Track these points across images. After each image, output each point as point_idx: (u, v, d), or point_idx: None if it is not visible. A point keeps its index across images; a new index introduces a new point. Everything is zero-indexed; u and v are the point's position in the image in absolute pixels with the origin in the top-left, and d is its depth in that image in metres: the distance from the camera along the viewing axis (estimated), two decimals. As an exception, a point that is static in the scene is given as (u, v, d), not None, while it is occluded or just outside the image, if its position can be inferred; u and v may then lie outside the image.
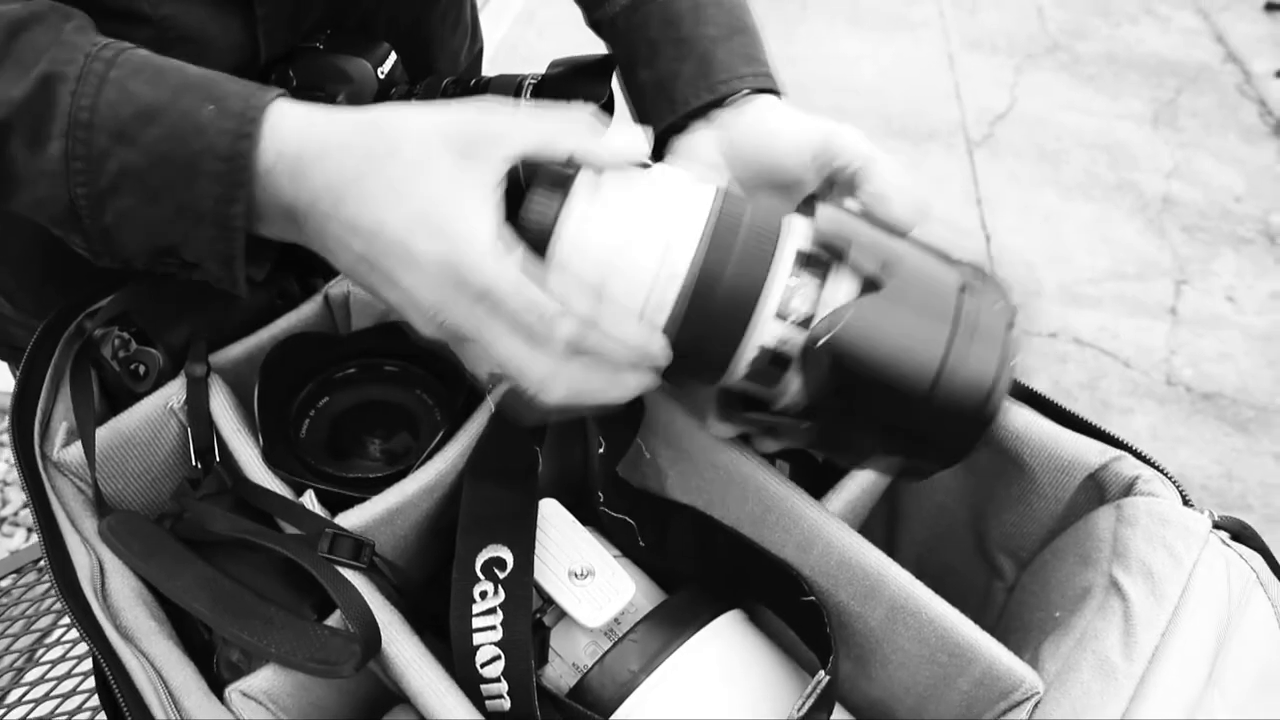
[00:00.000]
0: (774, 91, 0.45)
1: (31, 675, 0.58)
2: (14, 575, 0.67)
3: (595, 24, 0.50)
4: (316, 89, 0.49)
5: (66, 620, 0.62)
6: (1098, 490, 0.43)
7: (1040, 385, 1.51)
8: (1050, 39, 2.80)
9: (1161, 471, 0.42)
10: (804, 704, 0.36)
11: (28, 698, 0.57)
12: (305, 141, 0.34)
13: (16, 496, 1.48)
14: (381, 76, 0.49)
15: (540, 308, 0.32)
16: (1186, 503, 0.41)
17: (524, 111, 0.35)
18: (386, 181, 0.33)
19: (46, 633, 0.61)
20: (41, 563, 0.67)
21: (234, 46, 0.47)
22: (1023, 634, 0.43)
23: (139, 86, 0.34)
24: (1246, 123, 2.52)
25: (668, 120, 0.45)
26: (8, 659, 0.61)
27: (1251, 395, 1.74)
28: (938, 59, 2.68)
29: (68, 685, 0.58)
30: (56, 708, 0.56)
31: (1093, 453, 0.43)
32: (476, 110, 0.34)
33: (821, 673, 0.37)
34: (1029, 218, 2.10)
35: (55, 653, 0.60)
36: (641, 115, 0.47)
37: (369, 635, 0.35)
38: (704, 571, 0.44)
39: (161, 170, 0.34)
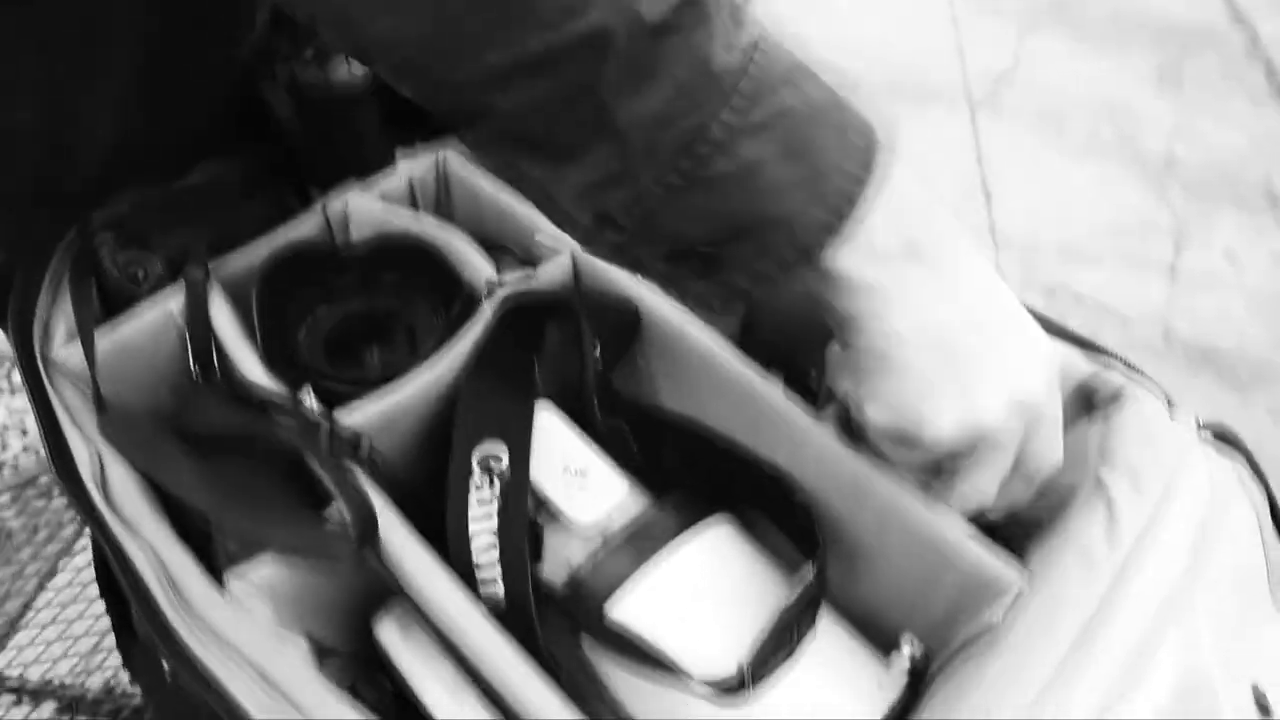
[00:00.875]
0: None
1: (59, 581, 0.59)
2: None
3: None
4: None
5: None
6: (1086, 400, 0.43)
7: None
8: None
9: (1146, 381, 0.43)
10: (793, 596, 0.37)
11: (55, 601, 0.58)
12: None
13: (15, 442, 1.49)
14: None
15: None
16: (1171, 409, 0.41)
17: None
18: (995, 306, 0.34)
19: (71, 542, 0.62)
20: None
21: None
22: (1008, 541, 0.43)
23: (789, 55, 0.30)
24: (1253, 85, 2.50)
25: None
26: (33, 566, 0.62)
27: (1248, 354, 1.75)
28: (940, 19, 2.65)
29: (93, 590, 0.60)
30: (84, 611, 0.57)
31: (1081, 363, 0.44)
32: None
33: (809, 564, 0.37)
34: (1030, 177, 2.09)
35: (81, 559, 0.61)
36: None
37: (366, 523, 0.35)
38: (696, 477, 0.44)
39: (816, 125, 0.29)
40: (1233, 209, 2.06)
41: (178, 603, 0.35)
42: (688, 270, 0.30)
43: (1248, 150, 2.25)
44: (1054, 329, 0.45)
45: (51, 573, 0.61)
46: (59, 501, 0.75)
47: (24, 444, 1.49)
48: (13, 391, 1.57)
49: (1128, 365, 0.43)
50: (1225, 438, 0.41)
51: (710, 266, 0.30)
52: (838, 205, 0.29)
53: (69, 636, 0.57)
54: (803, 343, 0.52)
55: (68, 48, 0.42)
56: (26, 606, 0.60)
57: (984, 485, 0.35)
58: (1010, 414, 0.33)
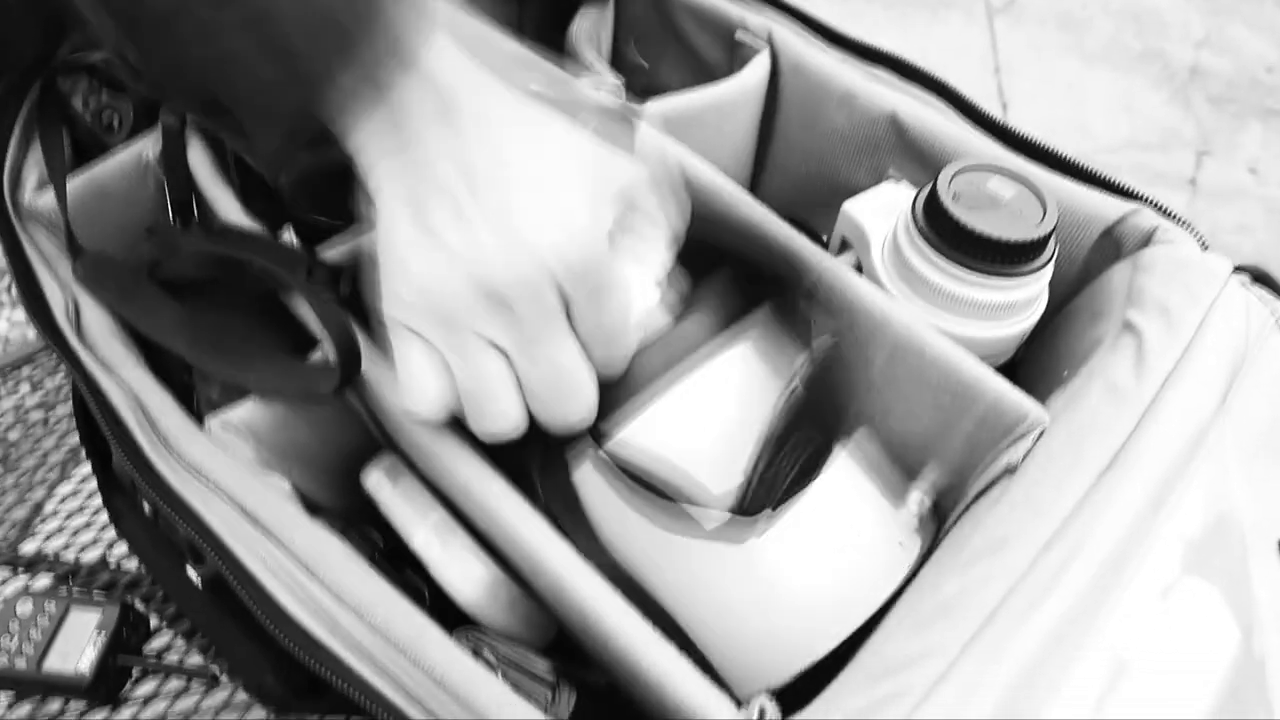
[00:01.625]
0: None
1: (63, 490, 0.58)
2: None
3: None
4: None
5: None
6: (1114, 246, 0.41)
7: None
8: (1081, -99, 2.65)
9: (1181, 223, 0.40)
10: (778, 408, 0.34)
11: (62, 509, 0.58)
12: (465, 76, 0.28)
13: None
14: None
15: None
16: (1205, 249, 0.39)
17: None
18: (530, 152, 0.29)
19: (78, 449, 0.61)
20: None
21: None
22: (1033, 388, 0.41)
23: None
24: (1284, -8, 2.40)
25: None
26: (40, 473, 0.61)
27: (1267, 266, 1.71)
28: (961, -78, 2.54)
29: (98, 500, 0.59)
30: (90, 520, 0.56)
31: (1109, 206, 0.41)
32: None
33: (801, 359, 0.35)
34: (1049, 86, 2.02)
35: (86, 468, 0.60)
36: None
37: (349, 356, 0.34)
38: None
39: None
40: (1258, 121, 2.00)
41: (156, 440, 0.34)
42: (217, 125, 0.31)
43: (1277, 58, 2.17)
44: (1082, 173, 0.42)
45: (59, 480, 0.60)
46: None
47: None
48: (13, 305, 1.55)
49: (1159, 208, 0.40)
50: (1263, 279, 0.38)
51: (233, 130, 0.29)
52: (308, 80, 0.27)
53: (72, 532, 0.57)
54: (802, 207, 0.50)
55: None
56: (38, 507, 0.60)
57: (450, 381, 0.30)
58: (481, 302, 0.28)
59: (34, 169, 0.43)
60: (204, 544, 0.30)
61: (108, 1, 0.26)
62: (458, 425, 0.34)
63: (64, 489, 0.60)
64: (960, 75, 2.01)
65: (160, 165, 0.42)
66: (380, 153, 0.28)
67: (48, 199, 0.41)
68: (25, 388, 0.78)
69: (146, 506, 0.35)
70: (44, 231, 0.41)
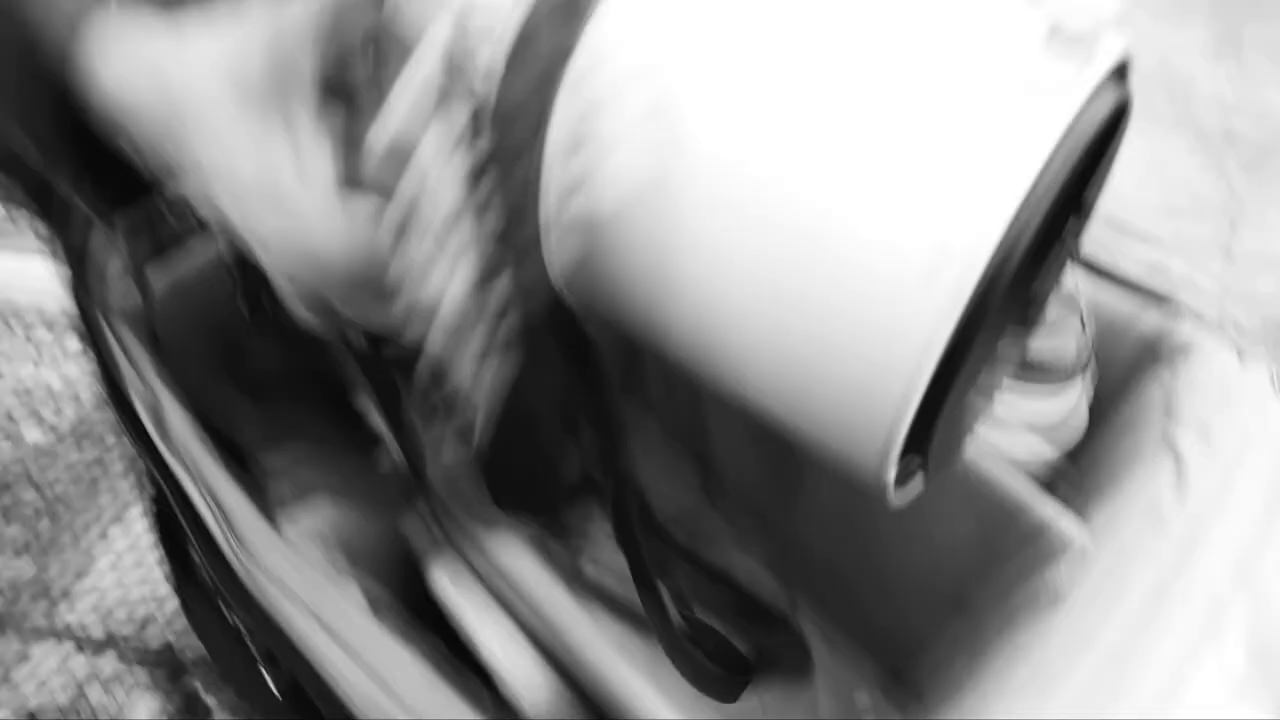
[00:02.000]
0: None
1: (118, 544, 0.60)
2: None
3: None
4: None
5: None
6: (1153, 353, 0.42)
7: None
8: (1111, -32, 2.69)
9: (1217, 332, 0.41)
10: None
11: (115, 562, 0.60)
12: None
13: (70, 410, 1.52)
14: None
15: None
16: (1243, 359, 0.40)
17: None
18: None
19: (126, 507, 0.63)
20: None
21: None
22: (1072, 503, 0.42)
23: None
24: (1316, 58, 2.41)
25: None
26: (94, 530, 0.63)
27: (1306, 336, 1.70)
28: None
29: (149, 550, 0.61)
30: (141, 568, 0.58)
31: (1148, 317, 0.42)
32: None
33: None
34: (1081, 151, 2.04)
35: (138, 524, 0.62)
36: None
37: (416, 461, 0.35)
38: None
39: None
40: (1293, 186, 2.00)
41: (235, 544, 0.35)
42: None
43: (1310, 125, 2.17)
44: (1115, 277, 0.44)
45: (104, 534, 0.62)
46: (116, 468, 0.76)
47: (79, 415, 1.52)
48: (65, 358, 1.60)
49: (1196, 314, 0.41)
50: (1302, 393, 0.39)
51: None
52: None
53: (126, 593, 0.58)
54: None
55: None
56: (86, 562, 0.61)
57: None
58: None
59: (117, 263, 0.45)
60: (282, 651, 0.32)
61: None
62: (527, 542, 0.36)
63: (119, 544, 0.61)
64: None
65: (232, 259, 0.45)
66: None
67: (130, 295, 0.44)
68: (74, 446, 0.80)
69: (224, 608, 0.37)
70: (125, 326, 0.44)
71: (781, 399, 0.24)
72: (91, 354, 0.42)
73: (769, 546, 0.52)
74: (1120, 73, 0.24)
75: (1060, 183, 0.19)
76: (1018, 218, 0.19)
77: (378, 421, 0.37)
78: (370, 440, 0.39)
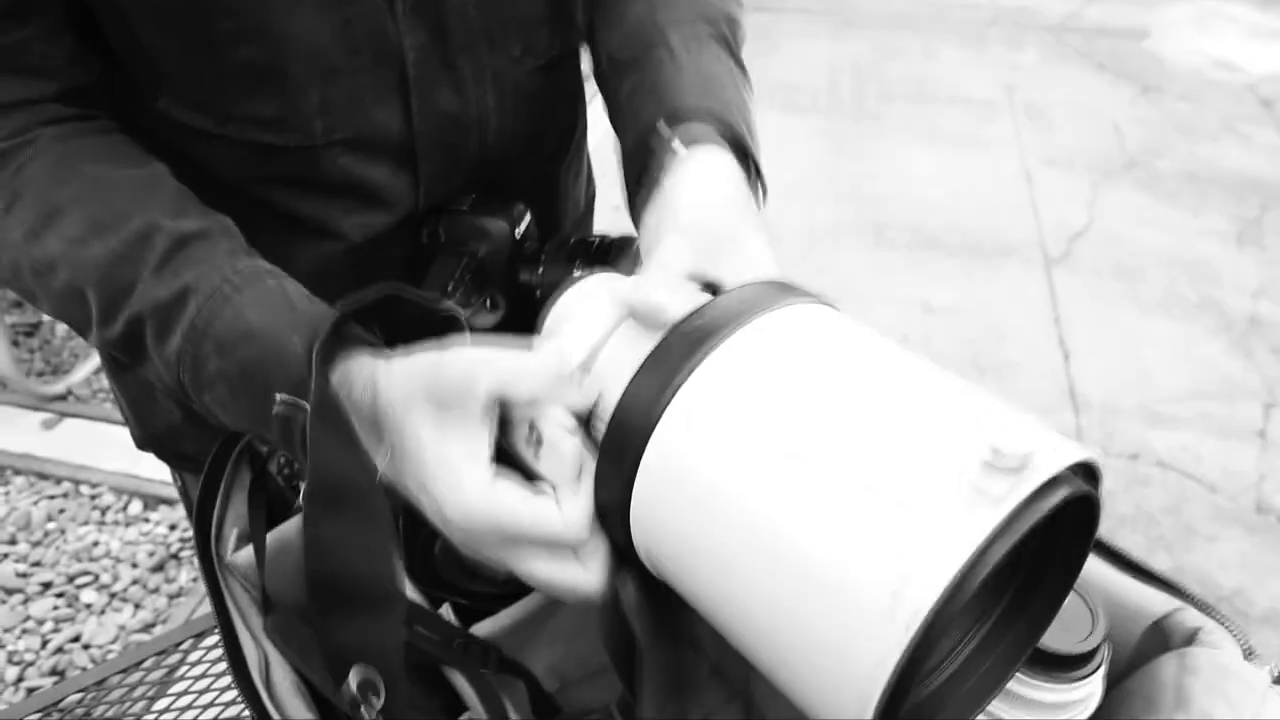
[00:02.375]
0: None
1: None
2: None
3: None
4: (460, 244, 0.58)
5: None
6: (1162, 637, 0.46)
7: (1122, 509, 1.51)
8: (1128, 156, 2.84)
9: (1223, 624, 0.45)
10: None
11: None
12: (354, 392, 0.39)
13: (126, 573, 1.59)
14: (517, 236, 0.57)
15: (551, 528, 0.35)
16: (1248, 655, 0.43)
17: (487, 351, 0.37)
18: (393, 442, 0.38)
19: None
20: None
21: (397, 199, 0.56)
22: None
23: (251, 311, 0.42)
24: (1338, 242, 2.49)
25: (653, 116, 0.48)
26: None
27: (1348, 525, 1.69)
28: (1014, 176, 2.73)
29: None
30: None
31: (1157, 602, 0.46)
32: (440, 356, 0.37)
33: None
34: (1108, 336, 2.10)
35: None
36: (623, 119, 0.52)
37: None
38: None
39: (245, 382, 0.41)
40: (1324, 372, 2.03)
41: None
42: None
43: (1337, 310, 2.22)
44: (1129, 564, 0.48)
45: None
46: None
47: (134, 576, 1.59)
48: (126, 524, 1.68)
49: (1202, 607, 0.45)
50: (1301, 688, 0.42)
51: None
52: (286, 432, 0.41)
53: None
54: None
55: None
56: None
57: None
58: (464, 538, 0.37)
59: (233, 525, 0.52)
60: None
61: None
62: None
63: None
64: (1021, 325, 2.11)
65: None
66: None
67: (245, 556, 0.50)
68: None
69: None
70: (239, 584, 0.50)
71: (778, 678, 0.32)
72: (213, 608, 0.48)
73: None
74: (1090, 474, 0.30)
75: (1000, 559, 0.27)
76: (956, 583, 0.26)
77: (466, 692, 0.42)
78: (452, 708, 0.43)
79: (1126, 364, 2.02)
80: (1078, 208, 2.58)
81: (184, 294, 0.42)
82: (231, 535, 0.51)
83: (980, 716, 0.42)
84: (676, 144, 0.46)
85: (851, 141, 2.85)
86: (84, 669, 1.44)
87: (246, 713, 0.54)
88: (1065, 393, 1.92)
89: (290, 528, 0.51)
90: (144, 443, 0.69)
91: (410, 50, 0.51)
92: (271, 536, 0.51)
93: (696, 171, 0.45)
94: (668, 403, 0.33)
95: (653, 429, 0.32)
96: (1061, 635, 0.42)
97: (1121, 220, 2.53)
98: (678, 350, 0.33)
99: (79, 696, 0.70)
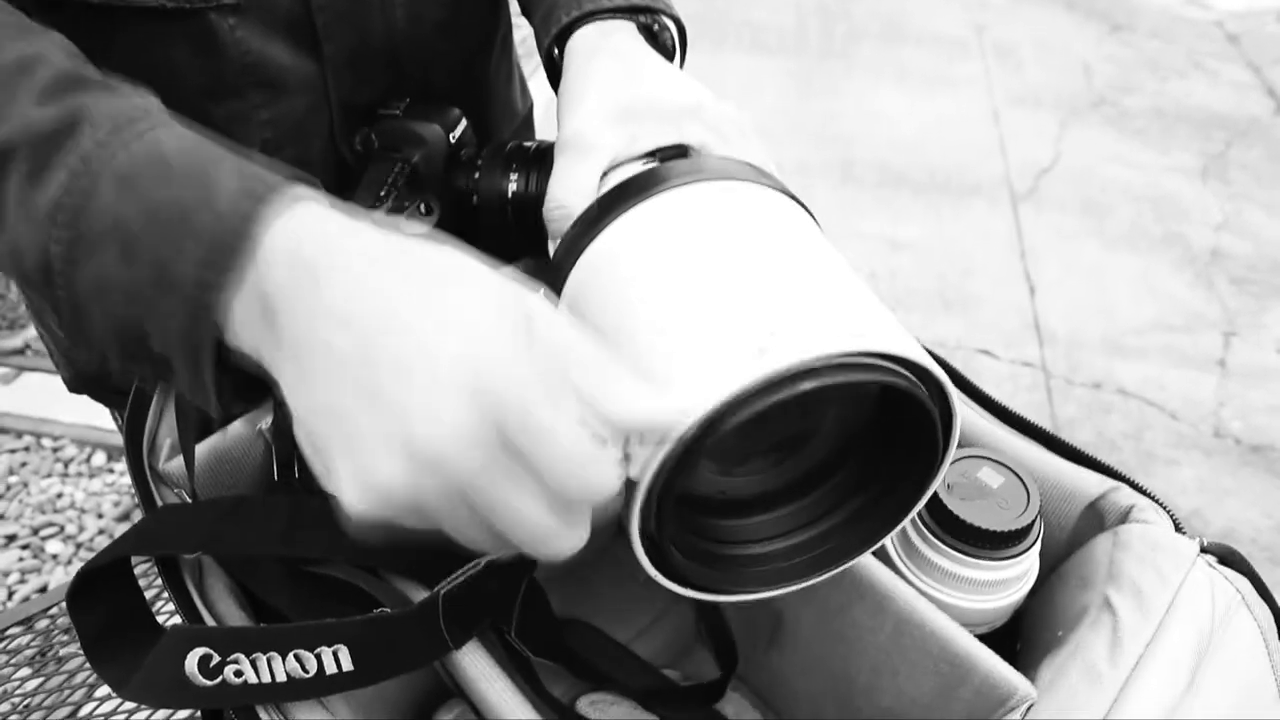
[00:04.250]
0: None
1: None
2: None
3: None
4: (394, 150, 0.56)
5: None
6: (1097, 518, 0.46)
7: (1084, 436, 1.53)
8: (1096, 94, 2.83)
9: (1155, 500, 0.46)
10: None
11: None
12: (323, 236, 0.29)
13: (91, 524, 1.58)
14: (453, 141, 0.55)
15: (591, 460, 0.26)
16: (1179, 530, 0.44)
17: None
18: (413, 280, 0.28)
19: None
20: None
21: (306, 87, 0.53)
22: (1030, 652, 0.46)
23: (169, 140, 0.32)
24: (1301, 176, 2.51)
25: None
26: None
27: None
28: (982, 115, 2.72)
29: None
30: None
31: (1092, 483, 0.47)
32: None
33: None
34: (1073, 270, 2.11)
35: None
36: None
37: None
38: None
39: (152, 226, 0.30)
40: (1283, 301, 2.06)
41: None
42: (146, 369, 0.33)
43: (1298, 241, 2.25)
44: (1065, 449, 0.48)
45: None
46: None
47: (99, 526, 1.58)
48: (90, 475, 1.66)
49: (1135, 486, 0.46)
50: (1229, 560, 0.43)
51: (156, 371, 0.32)
52: (198, 296, 0.29)
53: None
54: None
55: None
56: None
57: (467, 537, 0.28)
58: (418, 473, 0.26)
59: (166, 436, 0.51)
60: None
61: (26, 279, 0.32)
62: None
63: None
64: (988, 260, 2.12)
65: (270, 432, 0.50)
66: (265, 345, 0.29)
67: (177, 465, 0.49)
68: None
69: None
70: (171, 493, 0.49)
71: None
72: (144, 511, 0.47)
73: (756, 679, 0.55)
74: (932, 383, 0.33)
75: (753, 414, 0.30)
76: (711, 416, 0.30)
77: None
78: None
79: (1091, 297, 2.03)
80: (1045, 145, 2.58)
81: (74, 121, 0.31)
82: (165, 445, 0.50)
83: (922, 596, 0.43)
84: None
85: (819, 80, 2.82)
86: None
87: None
88: (1030, 326, 1.93)
89: (224, 439, 0.50)
90: (75, 385, 0.67)
91: None
92: (206, 447, 0.50)
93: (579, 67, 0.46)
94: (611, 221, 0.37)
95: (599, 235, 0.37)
96: (997, 514, 0.42)
97: (1088, 157, 2.54)
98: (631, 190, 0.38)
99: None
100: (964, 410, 0.52)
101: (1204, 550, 0.43)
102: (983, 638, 0.42)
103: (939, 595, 0.44)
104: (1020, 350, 1.86)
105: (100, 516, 1.60)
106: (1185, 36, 3.15)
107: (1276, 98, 2.85)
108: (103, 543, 1.54)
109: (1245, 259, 2.20)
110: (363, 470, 0.27)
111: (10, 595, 1.48)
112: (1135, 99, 2.82)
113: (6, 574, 1.51)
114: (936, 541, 0.43)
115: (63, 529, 1.58)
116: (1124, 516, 0.45)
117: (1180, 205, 2.36)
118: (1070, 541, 0.47)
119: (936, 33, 3.14)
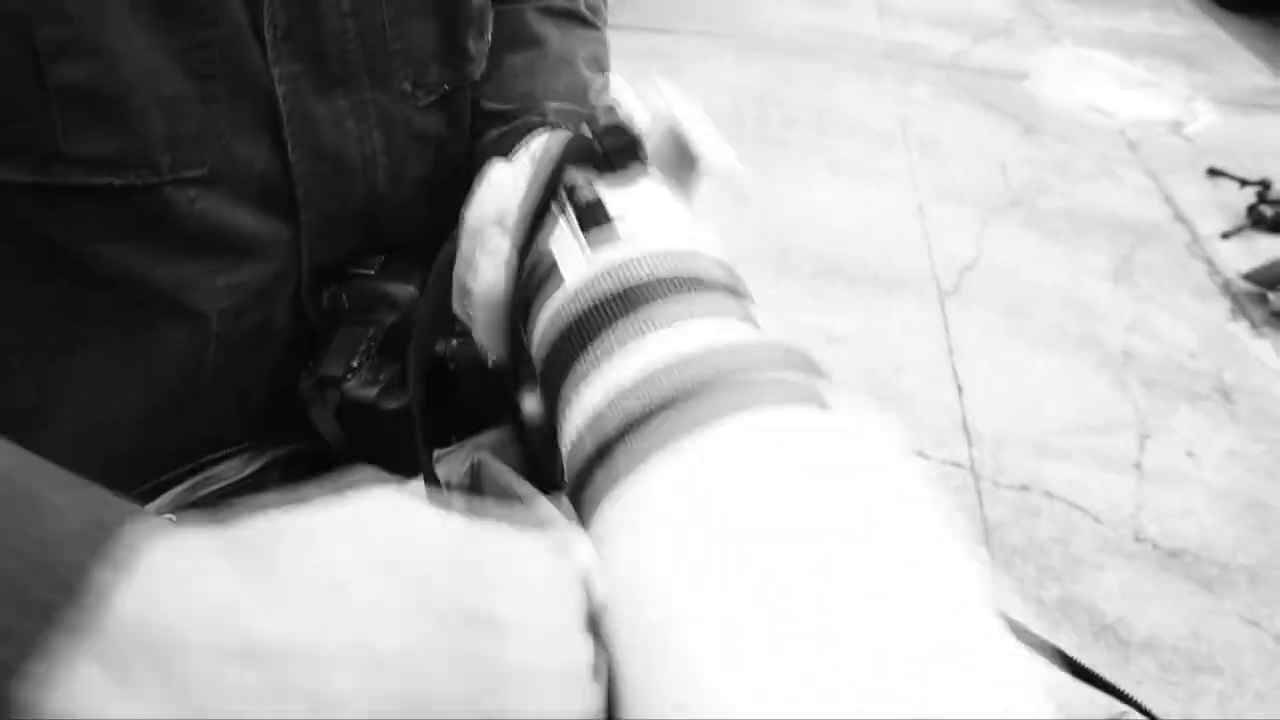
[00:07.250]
0: None
1: None
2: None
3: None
4: (365, 311, 0.52)
5: None
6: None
7: (1014, 540, 1.53)
8: (1014, 194, 2.96)
9: (1164, 729, 0.44)
10: None
11: None
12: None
13: None
14: (430, 305, 0.52)
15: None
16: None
17: None
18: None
19: None
20: None
21: (275, 253, 0.49)
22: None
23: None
24: (1197, 280, 2.66)
25: None
26: None
27: (1214, 553, 1.79)
28: (908, 208, 2.81)
29: None
30: None
31: (1099, 707, 0.45)
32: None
33: None
34: (999, 368, 2.17)
35: None
36: None
37: None
38: None
39: None
40: (1188, 404, 2.15)
41: None
42: None
43: (1197, 345, 2.36)
44: (1079, 671, 0.47)
45: None
46: None
47: None
48: None
49: (1145, 713, 0.44)
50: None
51: None
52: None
53: None
54: None
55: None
56: None
57: None
58: None
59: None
60: None
61: None
62: None
63: None
64: (918, 355, 2.16)
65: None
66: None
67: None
68: None
69: None
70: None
71: None
72: None
73: None
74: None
75: None
76: None
77: None
78: None
79: (1017, 397, 2.09)
80: (967, 242, 2.68)
81: None
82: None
83: None
84: None
85: (756, 166, 2.88)
86: None
87: None
88: (959, 425, 1.97)
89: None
90: None
91: (282, 81, 0.46)
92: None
93: None
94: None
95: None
96: None
97: (1009, 255, 2.64)
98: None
99: None
100: None
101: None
102: None
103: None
104: (950, 450, 1.89)
105: None
106: (1091, 142, 3.34)
107: (1173, 205, 3.03)
108: None
109: (1153, 361, 2.30)
110: None
111: None
112: (1049, 200, 2.96)
113: None
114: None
115: None
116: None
117: (1094, 307, 2.47)
118: None
119: (865, 125, 3.25)
